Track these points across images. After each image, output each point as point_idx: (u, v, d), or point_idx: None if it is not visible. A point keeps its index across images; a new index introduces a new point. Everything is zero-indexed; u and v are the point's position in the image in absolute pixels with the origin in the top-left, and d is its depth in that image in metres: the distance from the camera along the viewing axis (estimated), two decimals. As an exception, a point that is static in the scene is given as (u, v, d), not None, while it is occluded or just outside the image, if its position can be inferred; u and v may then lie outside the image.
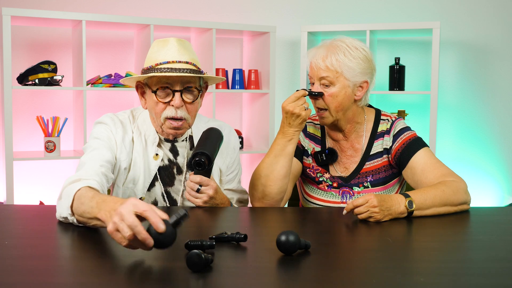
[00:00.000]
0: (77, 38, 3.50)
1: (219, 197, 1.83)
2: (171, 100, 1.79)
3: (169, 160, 1.91)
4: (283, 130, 1.87)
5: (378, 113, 2.03)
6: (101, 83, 3.53)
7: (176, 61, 1.77)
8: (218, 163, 1.97)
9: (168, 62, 1.77)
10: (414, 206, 1.69)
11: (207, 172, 1.80)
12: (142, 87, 1.87)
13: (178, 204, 1.90)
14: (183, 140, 1.93)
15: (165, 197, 1.89)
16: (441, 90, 4.21)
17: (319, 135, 2.05)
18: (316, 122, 2.08)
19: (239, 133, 3.98)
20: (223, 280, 1.16)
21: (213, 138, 1.81)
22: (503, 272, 1.22)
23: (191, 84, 1.81)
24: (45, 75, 3.40)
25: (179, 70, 1.76)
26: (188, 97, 1.81)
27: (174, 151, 1.92)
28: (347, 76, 1.88)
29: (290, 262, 1.26)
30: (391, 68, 3.95)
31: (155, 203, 1.87)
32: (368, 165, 1.97)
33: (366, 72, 1.91)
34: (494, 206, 4.10)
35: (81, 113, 3.45)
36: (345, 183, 1.98)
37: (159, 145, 1.90)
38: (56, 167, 3.74)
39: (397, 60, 3.93)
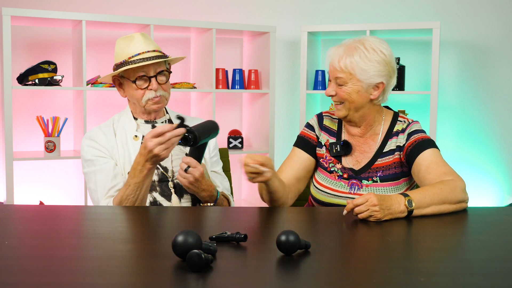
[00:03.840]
0: (77, 38, 3.50)
1: (205, 182, 1.96)
2: (148, 85, 2.04)
3: None
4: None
5: (396, 115, 2.10)
6: (101, 83, 3.53)
7: (145, 51, 2.03)
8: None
9: (139, 54, 2.02)
10: (413, 204, 1.70)
11: (197, 155, 1.97)
12: (118, 79, 2.10)
13: (169, 169, 2.07)
14: (162, 122, 2.14)
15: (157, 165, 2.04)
16: (441, 90, 4.21)
17: (335, 128, 2.12)
18: (333, 116, 2.14)
19: (239, 133, 3.98)
20: (223, 280, 1.16)
21: (207, 126, 1.99)
22: (503, 272, 1.22)
23: (162, 68, 2.06)
24: (45, 75, 3.40)
25: (150, 58, 2.01)
26: (161, 80, 2.06)
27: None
28: (360, 78, 1.94)
29: (290, 262, 1.26)
30: (391, 68, 3.95)
31: None
32: (380, 161, 2.02)
33: (382, 74, 1.95)
34: (494, 206, 4.11)
35: (81, 113, 3.46)
36: (355, 176, 2.02)
37: (137, 130, 2.10)
38: (56, 167, 3.75)
39: (397, 60, 3.93)
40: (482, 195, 4.26)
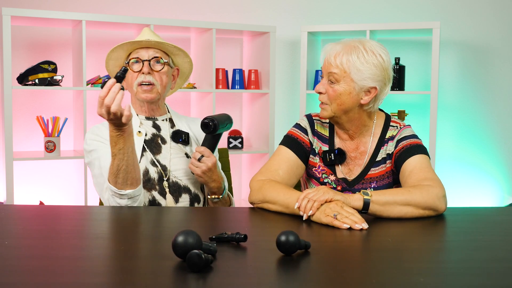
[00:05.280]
0: (77, 38, 3.50)
1: (216, 173, 2.00)
2: (141, 69, 2.05)
3: (153, 134, 2.12)
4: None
5: (388, 119, 2.02)
6: (101, 83, 3.53)
7: (148, 39, 2.06)
8: (198, 134, 2.20)
9: (141, 41, 2.06)
10: (369, 194, 1.67)
11: (212, 145, 2.02)
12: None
13: (168, 168, 2.06)
14: (163, 120, 2.16)
15: (155, 162, 2.06)
16: (441, 90, 4.21)
17: (327, 134, 2.03)
18: (323, 121, 2.05)
19: (239, 133, 3.98)
20: (223, 280, 1.16)
21: (224, 117, 2.06)
22: (503, 272, 1.22)
23: (158, 55, 2.08)
24: (45, 75, 3.40)
25: (146, 41, 2.05)
26: (155, 67, 2.07)
27: (156, 127, 2.13)
28: (354, 78, 1.86)
29: (290, 262, 1.26)
30: (391, 68, 3.94)
31: (146, 171, 2.03)
32: (373, 171, 1.96)
33: (377, 79, 1.87)
34: (494, 206, 4.10)
35: (81, 113, 3.46)
36: (349, 187, 1.97)
37: (141, 126, 2.11)
38: (56, 167, 3.75)
39: (397, 60, 3.93)
40: (482, 195, 4.26)
